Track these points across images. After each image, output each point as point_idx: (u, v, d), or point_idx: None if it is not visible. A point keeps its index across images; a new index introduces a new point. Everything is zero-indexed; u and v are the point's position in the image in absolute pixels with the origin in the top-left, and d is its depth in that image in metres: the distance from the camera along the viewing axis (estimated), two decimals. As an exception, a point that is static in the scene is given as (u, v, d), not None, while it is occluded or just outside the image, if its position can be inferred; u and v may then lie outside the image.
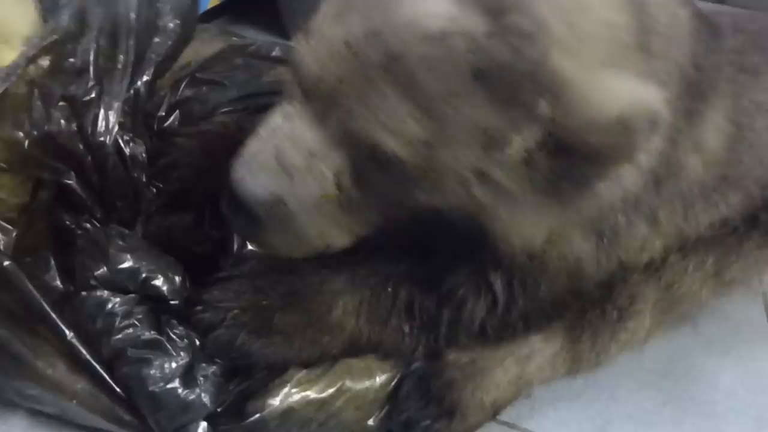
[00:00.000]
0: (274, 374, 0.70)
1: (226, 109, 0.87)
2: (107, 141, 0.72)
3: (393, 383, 0.73)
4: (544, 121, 0.55)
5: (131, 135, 0.73)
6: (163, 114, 0.85)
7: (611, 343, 0.80)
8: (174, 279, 0.72)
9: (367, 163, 0.57)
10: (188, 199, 0.78)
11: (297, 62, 0.58)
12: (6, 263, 0.67)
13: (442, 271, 0.71)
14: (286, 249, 0.66)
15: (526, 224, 0.63)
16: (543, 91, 0.54)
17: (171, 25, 0.80)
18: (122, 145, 0.73)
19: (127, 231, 0.74)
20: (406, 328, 0.72)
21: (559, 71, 0.53)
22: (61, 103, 0.72)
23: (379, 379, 0.72)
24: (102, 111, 0.73)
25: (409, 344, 0.73)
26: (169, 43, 0.79)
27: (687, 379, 0.86)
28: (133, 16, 0.78)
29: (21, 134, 0.70)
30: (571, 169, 0.57)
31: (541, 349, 0.78)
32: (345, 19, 0.55)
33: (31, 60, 0.73)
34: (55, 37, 0.75)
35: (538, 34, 0.53)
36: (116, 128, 0.72)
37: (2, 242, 0.69)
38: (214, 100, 0.87)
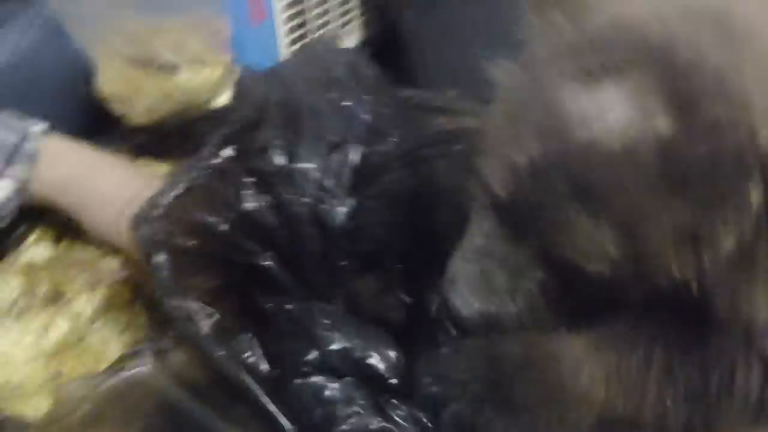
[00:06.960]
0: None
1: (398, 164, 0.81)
2: (302, 210, 0.68)
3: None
4: (755, 207, 0.46)
5: (331, 198, 0.68)
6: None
7: None
8: (389, 355, 0.65)
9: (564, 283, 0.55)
10: (379, 261, 0.72)
11: (483, 179, 0.55)
12: (220, 353, 0.63)
13: (704, 329, 0.61)
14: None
15: None
16: (751, 175, 0.45)
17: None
18: (319, 211, 0.68)
19: (330, 307, 0.68)
20: (668, 401, 0.61)
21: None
22: (249, 179, 0.68)
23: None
24: (294, 179, 0.68)
25: (673, 419, 0.62)
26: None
27: None
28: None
29: (216, 219, 0.67)
30: None
31: None
32: (520, 140, 0.51)
33: (214, 153, 0.71)
34: (236, 127, 0.73)
35: (739, 117, 0.45)
36: (311, 195, 0.68)
37: (208, 327, 0.65)
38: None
